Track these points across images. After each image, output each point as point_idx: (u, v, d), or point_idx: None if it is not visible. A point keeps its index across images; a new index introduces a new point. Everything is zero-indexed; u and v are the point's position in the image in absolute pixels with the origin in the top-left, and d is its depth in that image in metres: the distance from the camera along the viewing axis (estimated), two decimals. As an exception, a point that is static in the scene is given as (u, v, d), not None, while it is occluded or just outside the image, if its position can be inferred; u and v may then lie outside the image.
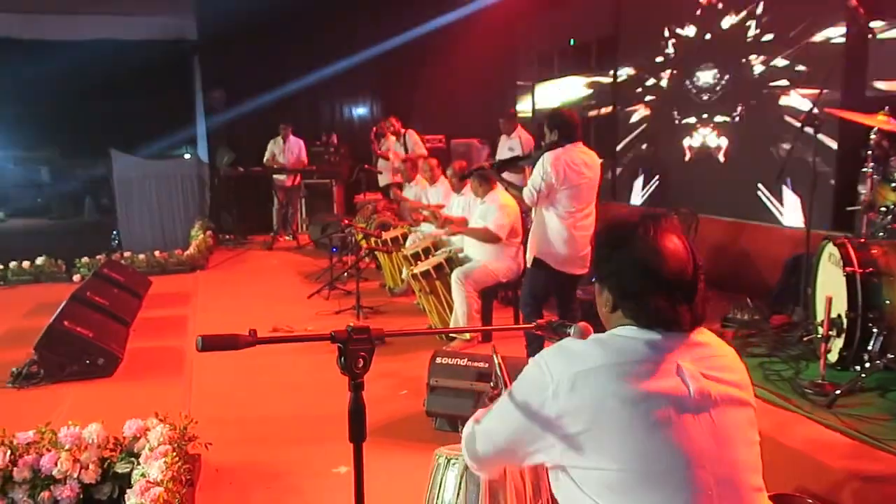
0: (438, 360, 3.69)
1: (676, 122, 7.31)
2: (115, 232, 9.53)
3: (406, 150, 8.49)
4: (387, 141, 8.99)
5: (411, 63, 10.64)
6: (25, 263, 7.56)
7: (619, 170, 8.38)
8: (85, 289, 5.57)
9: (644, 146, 7.99)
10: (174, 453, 2.98)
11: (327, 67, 10.32)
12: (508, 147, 7.64)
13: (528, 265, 4.25)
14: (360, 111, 11.74)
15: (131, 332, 5.54)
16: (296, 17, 10.06)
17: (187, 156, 12.95)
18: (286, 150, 9.81)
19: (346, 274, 6.68)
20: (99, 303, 5.40)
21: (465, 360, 3.65)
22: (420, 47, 10.35)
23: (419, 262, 5.59)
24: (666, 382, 1.31)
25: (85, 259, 7.70)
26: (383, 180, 8.99)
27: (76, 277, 7.30)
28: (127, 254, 8.10)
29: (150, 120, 13.11)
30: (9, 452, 3.06)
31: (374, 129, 9.02)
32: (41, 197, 19.18)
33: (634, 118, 8.05)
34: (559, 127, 4.03)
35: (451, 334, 4.97)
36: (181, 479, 2.94)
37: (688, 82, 7.11)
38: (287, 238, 9.94)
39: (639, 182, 8.02)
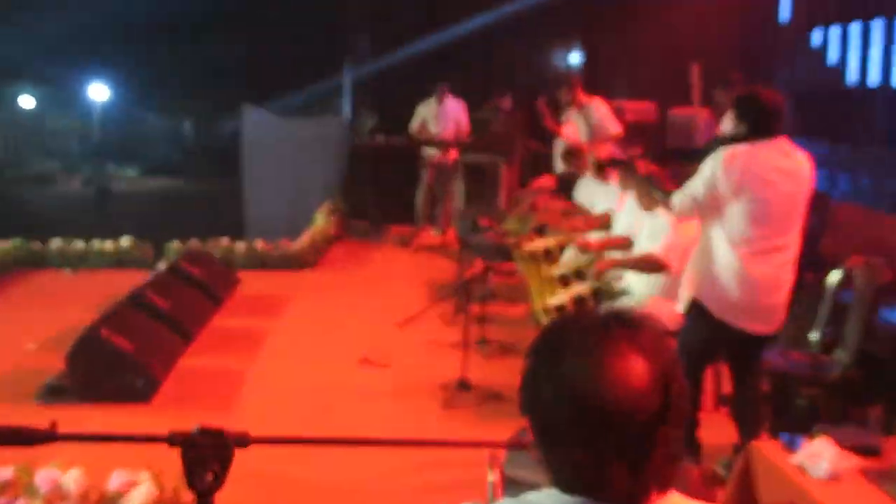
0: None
1: None
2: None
3: (589, 128, 8.27)
4: (566, 113, 8.84)
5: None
6: (109, 244, 8.50)
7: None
8: (147, 286, 6.12)
9: None
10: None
11: (504, 7, 10.39)
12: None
13: (683, 309, 4.08)
14: (548, 66, 11.68)
15: (193, 344, 6.01)
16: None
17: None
18: (440, 115, 9.96)
19: (480, 294, 6.69)
20: (158, 306, 5.91)
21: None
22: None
23: (566, 288, 5.49)
24: None
25: (175, 244, 8.48)
26: (558, 165, 8.84)
27: (162, 265, 8.02)
28: (224, 241, 8.76)
29: (292, 69, 14.11)
30: (-20, 492, 3.46)
31: (543, 97, 8.84)
32: (181, 153, 21.59)
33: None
34: (750, 115, 3.87)
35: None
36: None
37: None
38: (434, 233, 10.18)
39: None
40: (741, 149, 3.81)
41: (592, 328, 1.27)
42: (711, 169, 3.81)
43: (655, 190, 4.23)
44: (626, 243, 5.54)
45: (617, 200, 6.29)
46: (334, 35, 11.90)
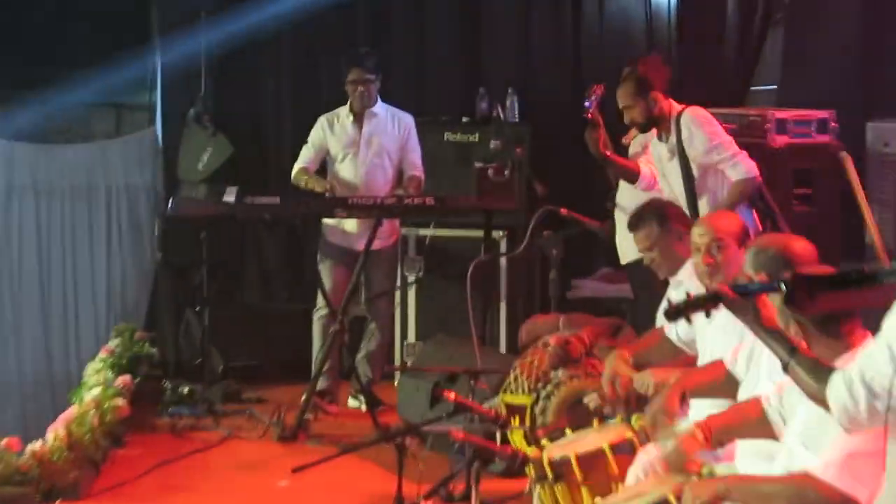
0: None
1: None
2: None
3: (686, 165, 8.55)
4: (638, 134, 9.19)
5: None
6: None
7: None
8: None
9: None
10: None
11: None
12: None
13: None
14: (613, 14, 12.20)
15: None
16: None
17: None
18: (360, 144, 10.40)
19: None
20: None
21: None
22: None
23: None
24: None
25: None
26: (625, 248, 9.31)
27: None
28: None
29: (44, 38, 14.63)
30: None
31: (595, 91, 9.01)
32: None
33: None
34: None
35: None
36: None
37: None
38: (351, 403, 10.57)
39: None
40: None
41: None
42: None
43: (798, 364, 4.30)
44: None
45: (741, 334, 6.54)
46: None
